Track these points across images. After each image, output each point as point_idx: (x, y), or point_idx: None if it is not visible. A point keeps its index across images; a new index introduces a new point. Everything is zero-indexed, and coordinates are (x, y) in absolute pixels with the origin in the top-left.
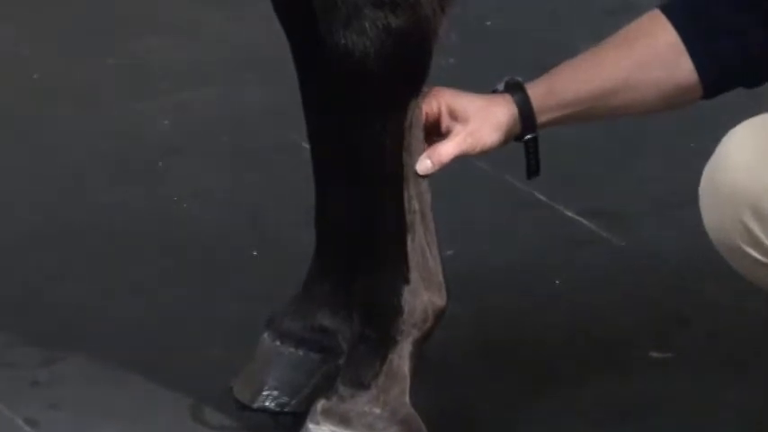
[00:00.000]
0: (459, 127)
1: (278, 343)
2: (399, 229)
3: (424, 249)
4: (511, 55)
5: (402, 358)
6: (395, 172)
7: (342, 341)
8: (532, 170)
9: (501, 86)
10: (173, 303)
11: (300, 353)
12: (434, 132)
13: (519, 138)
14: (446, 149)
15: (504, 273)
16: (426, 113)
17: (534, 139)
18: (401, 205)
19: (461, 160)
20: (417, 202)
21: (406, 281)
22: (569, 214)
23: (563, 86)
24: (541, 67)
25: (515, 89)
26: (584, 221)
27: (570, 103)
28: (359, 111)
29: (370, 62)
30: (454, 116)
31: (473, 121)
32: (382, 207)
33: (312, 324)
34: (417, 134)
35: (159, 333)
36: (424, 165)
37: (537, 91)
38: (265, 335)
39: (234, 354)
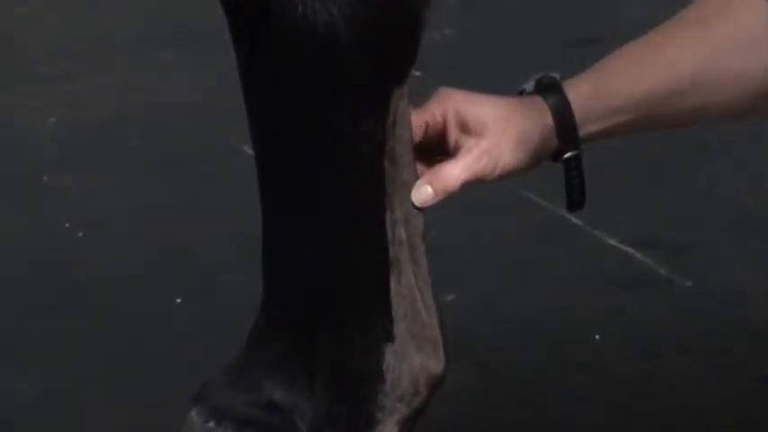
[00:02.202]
0: (472, 142)
1: (212, 425)
2: (379, 267)
3: (413, 294)
4: (526, 23)
5: None
6: (373, 187)
7: (299, 421)
8: (575, 200)
9: (530, 85)
10: (60, 379)
11: None
12: (439, 149)
13: (556, 157)
14: (453, 172)
15: (523, 326)
16: (427, 123)
17: (577, 159)
18: (382, 234)
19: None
20: (404, 230)
21: (389, 338)
22: (614, 244)
23: (614, 85)
24: (567, 38)
25: (550, 90)
26: (635, 254)
27: (624, 108)
28: (323, 105)
29: (337, 39)
30: (465, 128)
31: (490, 135)
32: (355, 236)
33: (258, 398)
34: (403, 135)
35: (46, 414)
36: (424, 193)
37: (579, 92)
38: (193, 414)
39: None
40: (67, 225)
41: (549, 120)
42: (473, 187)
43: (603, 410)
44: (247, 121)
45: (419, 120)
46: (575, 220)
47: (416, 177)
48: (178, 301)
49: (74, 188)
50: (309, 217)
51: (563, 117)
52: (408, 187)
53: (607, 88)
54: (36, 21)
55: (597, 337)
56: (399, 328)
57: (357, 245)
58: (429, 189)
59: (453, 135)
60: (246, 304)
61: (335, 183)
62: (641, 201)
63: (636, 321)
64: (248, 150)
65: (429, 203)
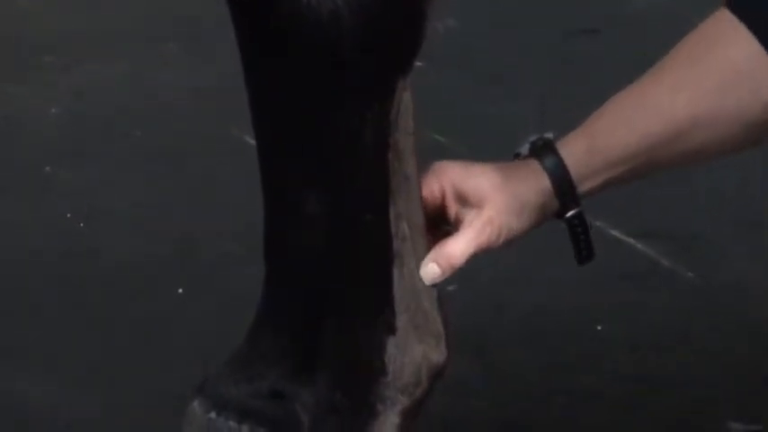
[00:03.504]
0: (473, 215)
1: (213, 415)
2: (382, 260)
3: (416, 286)
4: (528, 14)
5: None
6: (377, 180)
7: (302, 412)
8: (584, 255)
9: (525, 149)
10: (65, 366)
11: (245, 428)
12: (441, 222)
13: (559, 215)
14: (458, 248)
15: (526, 317)
16: (426, 199)
17: (579, 216)
18: (385, 227)
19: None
20: (408, 224)
21: (392, 330)
22: (617, 236)
23: (609, 139)
24: (568, 29)
25: (545, 152)
26: (638, 246)
27: (621, 161)
28: (326, 96)
29: (342, 29)
30: (464, 200)
31: (490, 205)
32: (359, 229)
33: (260, 389)
34: (406, 128)
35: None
36: (432, 271)
37: (574, 150)
38: (195, 404)
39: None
40: (69, 216)
41: (546, 183)
42: None
43: (605, 403)
44: (250, 113)
45: None
46: None
47: (418, 171)
48: (180, 292)
49: (75, 180)
50: (312, 209)
51: (560, 178)
52: (411, 180)
53: (602, 143)
54: (38, 13)
55: (599, 327)
56: (401, 320)
57: (360, 237)
58: (436, 267)
59: (453, 209)
60: (249, 296)
61: (339, 175)
62: (645, 193)
63: (639, 313)
64: (251, 142)
65: (437, 281)
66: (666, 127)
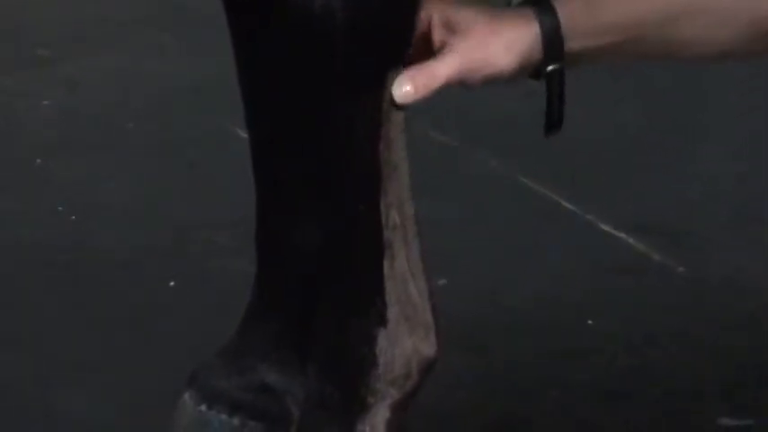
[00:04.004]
0: (458, 40)
1: (204, 408)
2: (373, 251)
3: (406, 279)
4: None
5: (376, 428)
6: (368, 171)
7: (292, 405)
8: (553, 120)
9: None
10: (56, 359)
11: (235, 421)
12: (423, 50)
13: (538, 71)
14: (438, 69)
15: (516, 311)
16: None
17: (559, 73)
18: (376, 218)
19: (457, 155)
20: (398, 214)
21: (382, 322)
22: (607, 229)
23: (605, 3)
24: None
25: (540, 3)
26: (629, 239)
27: (612, 28)
28: (318, 88)
29: (334, 20)
30: (451, 28)
31: (477, 35)
32: (349, 220)
33: (251, 382)
34: (397, 119)
35: (40, 399)
36: (406, 91)
37: (569, 7)
38: (186, 397)
39: (136, 427)
40: (61, 209)
41: (536, 30)
42: (462, 173)
43: (596, 396)
44: (242, 106)
45: None
46: (569, 205)
47: (408, 162)
48: (172, 284)
49: (67, 172)
50: (304, 200)
51: (550, 28)
52: (401, 171)
53: (599, 6)
54: (33, 4)
55: (590, 322)
56: (392, 312)
57: (351, 228)
58: (409, 86)
59: (438, 35)
60: (240, 288)
61: (331, 166)
62: (635, 186)
63: (629, 307)
64: (243, 135)
65: (409, 101)
66: (666, 5)
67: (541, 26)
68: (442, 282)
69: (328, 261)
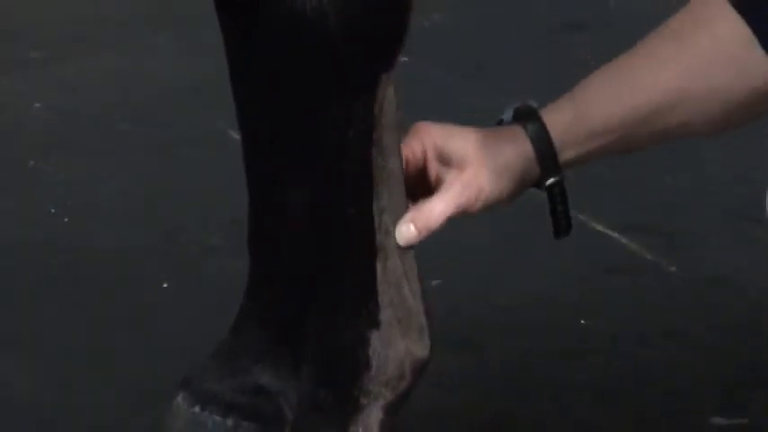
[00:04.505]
0: (453, 175)
1: (197, 409)
2: (366, 254)
3: (399, 281)
4: (513, 8)
5: (369, 429)
6: (361, 174)
7: (286, 407)
8: (562, 227)
9: (509, 115)
10: (49, 359)
11: (229, 423)
12: (421, 184)
13: (539, 184)
14: (436, 209)
15: (511, 311)
16: (407, 159)
17: (559, 185)
18: (369, 222)
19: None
20: (391, 218)
21: (375, 324)
22: (601, 229)
23: (593, 109)
24: (553, 23)
25: (528, 118)
26: (623, 239)
27: (604, 131)
28: (310, 92)
29: (326, 24)
30: (445, 160)
31: (470, 166)
32: (342, 223)
33: (245, 384)
34: (390, 123)
35: (33, 399)
36: (408, 233)
37: (558, 118)
38: (180, 399)
39: (130, 428)
40: (53, 211)
41: (528, 148)
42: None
43: (589, 396)
44: (235, 108)
45: None
46: None
47: (402, 166)
48: (165, 285)
49: (60, 173)
50: (296, 204)
51: (542, 144)
52: (395, 175)
53: (586, 112)
54: (31, 4)
55: (584, 321)
56: (385, 314)
57: (344, 232)
58: (412, 228)
59: (434, 169)
60: (234, 289)
61: (323, 170)
62: (628, 186)
63: (622, 306)
64: (236, 136)
65: (413, 242)
66: (649, 101)
67: (534, 144)
68: (435, 282)
69: (320, 263)
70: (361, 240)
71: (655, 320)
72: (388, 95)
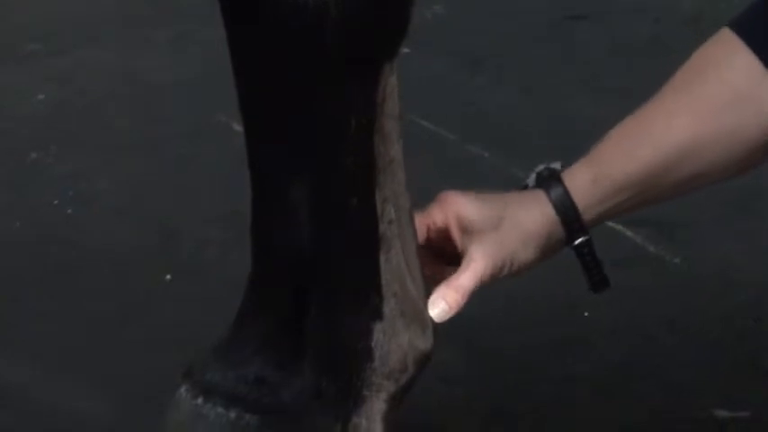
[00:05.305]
0: (475, 247)
1: (200, 401)
2: (369, 245)
3: (402, 272)
4: (512, 3)
5: (372, 420)
6: (364, 165)
7: (288, 398)
8: (597, 282)
9: (531, 180)
10: (51, 353)
11: (232, 414)
12: (445, 251)
13: (566, 244)
14: (464, 284)
15: (512, 304)
16: (428, 229)
17: (587, 244)
18: (372, 211)
19: (453, 149)
20: (394, 208)
21: (379, 315)
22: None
23: (611, 168)
24: (555, 15)
25: (550, 183)
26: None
27: (623, 189)
28: (313, 82)
29: (328, 13)
30: (469, 231)
31: (495, 237)
32: (345, 214)
33: (247, 375)
34: (392, 112)
35: (35, 394)
36: (441, 310)
37: (579, 180)
38: (182, 390)
39: (132, 420)
40: (56, 203)
41: (551, 213)
42: (455, 167)
43: (591, 389)
44: (237, 98)
45: (422, 223)
46: None
47: (403, 154)
48: (167, 278)
49: (62, 166)
50: (299, 194)
51: (565, 207)
52: (396, 164)
53: (604, 172)
54: None
55: (586, 314)
56: (388, 306)
57: (347, 222)
58: (444, 304)
59: (458, 239)
60: (235, 282)
61: (326, 159)
62: None
63: (625, 299)
64: (236, 127)
65: (447, 317)
66: (664, 154)
67: (556, 209)
68: None
69: (323, 254)
70: (364, 230)
71: (657, 313)
72: (391, 84)
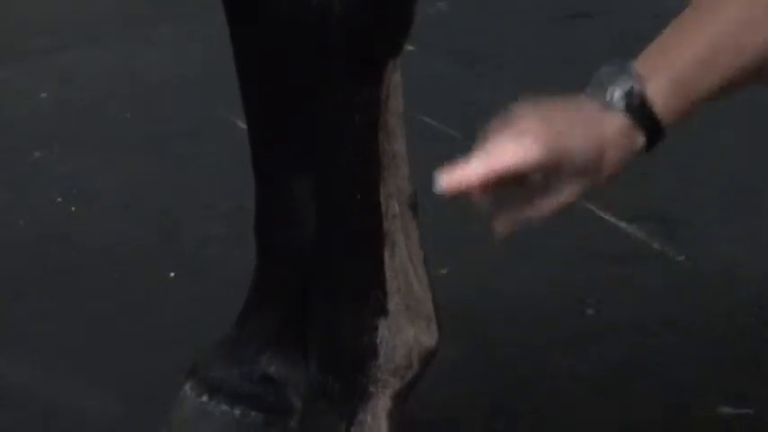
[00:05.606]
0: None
1: (205, 399)
2: (373, 241)
3: (406, 268)
4: (514, 1)
5: (377, 418)
6: (367, 160)
7: (293, 396)
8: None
9: (618, 100)
10: (55, 350)
11: (236, 412)
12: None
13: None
14: (508, 151)
15: (517, 300)
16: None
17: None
18: (376, 208)
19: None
20: (398, 204)
21: (383, 312)
22: (608, 219)
23: (693, 72)
24: (555, 14)
25: (641, 113)
26: (629, 228)
27: (709, 94)
28: (317, 79)
29: (332, 11)
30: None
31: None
32: (349, 210)
33: (251, 373)
34: (395, 108)
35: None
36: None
37: (657, 88)
38: (187, 388)
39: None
40: (59, 200)
41: (641, 142)
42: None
43: (594, 386)
44: (240, 95)
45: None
46: None
47: (406, 149)
48: (172, 275)
49: (65, 163)
50: (303, 191)
51: (647, 122)
52: (400, 160)
53: (688, 77)
54: None
55: (590, 311)
56: (393, 302)
57: (351, 218)
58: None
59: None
60: (239, 278)
61: (330, 156)
62: (635, 175)
63: (629, 295)
64: (239, 124)
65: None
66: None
67: (646, 134)
68: (443, 271)
69: (328, 251)
70: (368, 227)
71: (660, 310)
72: (394, 80)
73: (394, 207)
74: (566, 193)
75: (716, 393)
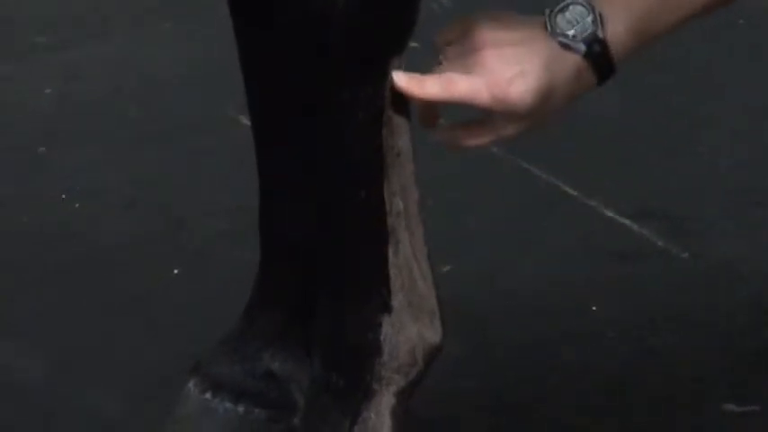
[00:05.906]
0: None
1: (208, 396)
2: (377, 238)
3: (410, 265)
4: None
5: (381, 415)
6: (371, 158)
7: (296, 392)
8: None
9: (578, 44)
10: (59, 346)
11: (240, 409)
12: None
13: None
14: (460, 82)
15: (520, 297)
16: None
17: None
18: (380, 204)
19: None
20: (401, 201)
21: (387, 309)
22: (610, 215)
23: (651, 11)
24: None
25: (600, 58)
26: (632, 225)
27: (666, 32)
28: (321, 74)
29: (336, 6)
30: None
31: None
32: (353, 207)
33: (255, 370)
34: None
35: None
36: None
37: (615, 30)
38: (190, 385)
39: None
40: (64, 197)
41: (582, 64)
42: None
43: (597, 384)
44: (245, 93)
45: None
46: (571, 191)
47: (412, 146)
48: (176, 272)
49: (70, 160)
50: (307, 187)
51: (601, 61)
52: (405, 156)
53: (647, 21)
54: None
55: (594, 308)
56: (397, 299)
57: (355, 215)
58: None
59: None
60: (244, 275)
61: (334, 153)
62: (638, 172)
63: (633, 293)
64: (245, 121)
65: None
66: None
67: (592, 63)
68: (446, 268)
69: (331, 247)
70: (372, 224)
71: (664, 307)
72: None
73: (398, 204)
74: (509, 130)
75: (721, 390)
